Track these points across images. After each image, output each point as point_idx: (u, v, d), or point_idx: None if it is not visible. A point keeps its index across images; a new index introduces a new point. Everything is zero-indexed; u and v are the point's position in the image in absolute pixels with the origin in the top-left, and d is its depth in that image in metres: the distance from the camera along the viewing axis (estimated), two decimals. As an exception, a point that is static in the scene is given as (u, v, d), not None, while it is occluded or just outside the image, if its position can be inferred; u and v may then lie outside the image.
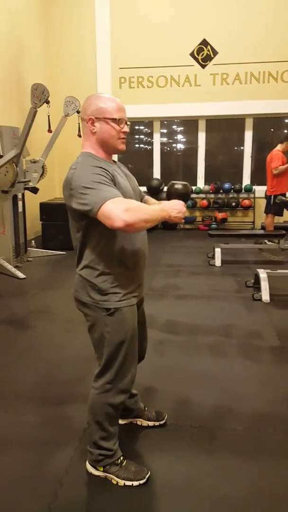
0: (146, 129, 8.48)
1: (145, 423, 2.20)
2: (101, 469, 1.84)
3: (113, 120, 1.63)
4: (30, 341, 3.27)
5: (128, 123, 1.71)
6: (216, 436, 2.14)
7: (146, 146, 8.53)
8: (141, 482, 1.81)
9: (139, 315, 1.86)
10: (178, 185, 1.67)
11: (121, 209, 1.44)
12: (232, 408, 2.37)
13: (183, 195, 1.66)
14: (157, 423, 2.20)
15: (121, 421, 2.17)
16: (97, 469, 1.85)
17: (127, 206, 1.46)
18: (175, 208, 1.61)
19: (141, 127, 8.51)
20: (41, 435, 2.15)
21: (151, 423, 2.20)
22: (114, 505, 1.72)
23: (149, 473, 1.85)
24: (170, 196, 1.67)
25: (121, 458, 1.86)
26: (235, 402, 2.42)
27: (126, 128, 1.68)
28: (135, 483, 1.80)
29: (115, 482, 1.82)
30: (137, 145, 8.63)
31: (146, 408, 2.23)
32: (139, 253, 1.73)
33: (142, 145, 8.62)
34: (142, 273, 1.79)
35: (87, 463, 1.89)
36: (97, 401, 1.78)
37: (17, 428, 2.18)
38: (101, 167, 1.58)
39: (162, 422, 2.21)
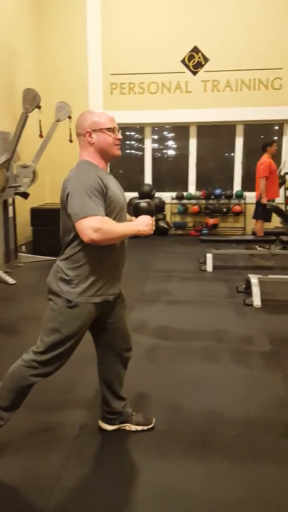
0: (137, 135, 8.51)
1: (133, 427, 2.19)
2: None
3: (108, 129, 1.83)
4: (20, 347, 3.21)
5: (119, 130, 1.89)
6: (208, 441, 2.13)
7: (137, 152, 8.56)
8: None
9: (117, 308, 2.01)
10: (144, 203, 1.94)
11: (93, 228, 1.68)
12: (224, 413, 2.37)
13: (148, 211, 1.91)
14: (145, 427, 2.19)
15: (110, 427, 2.19)
16: None
17: (99, 226, 1.68)
18: (142, 222, 1.83)
19: (132, 133, 8.54)
20: (33, 441, 2.13)
21: (139, 428, 2.19)
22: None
23: None
24: (137, 213, 1.92)
25: None
26: (227, 407, 2.42)
27: (119, 135, 1.88)
28: None
29: None
30: (128, 151, 8.64)
31: (134, 413, 2.22)
32: (119, 254, 1.90)
33: (133, 151, 8.64)
34: (118, 273, 1.95)
35: None
36: (20, 373, 1.91)
37: (8, 435, 2.14)
38: (97, 175, 1.76)
39: (150, 426, 2.20)
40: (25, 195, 5.70)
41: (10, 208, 5.55)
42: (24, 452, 2.05)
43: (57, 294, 1.85)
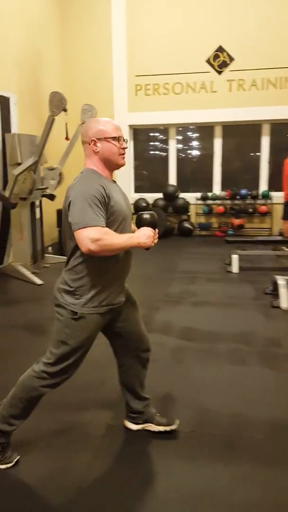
0: (161, 136, 8.50)
1: (155, 428, 2.17)
2: None
3: (113, 138, 1.82)
4: (47, 347, 3.28)
5: (126, 139, 1.88)
6: (234, 444, 2.11)
7: (161, 153, 8.55)
8: (8, 465, 1.94)
9: (126, 311, 1.99)
10: (146, 215, 1.89)
11: (91, 239, 1.66)
12: (251, 416, 2.33)
13: (151, 223, 1.87)
14: (167, 428, 2.17)
15: (134, 427, 2.20)
16: None
17: (98, 237, 1.66)
18: (143, 235, 1.80)
19: (156, 134, 8.54)
20: (60, 440, 2.16)
21: (161, 428, 2.17)
22: (132, 513, 1.71)
23: (18, 457, 1.96)
24: (139, 224, 1.88)
25: (7, 447, 1.96)
26: (254, 410, 2.39)
27: (124, 144, 1.86)
28: (3, 466, 1.94)
29: None
30: (152, 152, 8.65)
31: (157, 414, 2.21)
32: (123, 264, 1.88)
33: (157, 152, 8.65)
34: (123, 282, 1.94)
35: None
36: (30, 383, 1.89)
37: (36, 434, 2.18)
38: (100, 185, 1.74)
39: (173, 427, 2.17)
40: (51, 197, 5.78)
41: (37, 210, 5.64)
42: (51, 451, 2.08)
43: (62, 306, 1.84)
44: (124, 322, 1.99)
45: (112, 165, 1.85)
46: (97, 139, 1.81)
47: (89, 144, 1.82)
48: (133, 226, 1.98)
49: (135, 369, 2.09)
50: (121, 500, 1.77)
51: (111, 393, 2.55)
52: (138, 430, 2.19)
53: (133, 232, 1.86)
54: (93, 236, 1.66)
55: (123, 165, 1.88)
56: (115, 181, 1.91)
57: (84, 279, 1.80)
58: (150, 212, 1.91)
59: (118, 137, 1.83)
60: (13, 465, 1.94)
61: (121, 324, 1.99)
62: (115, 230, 1.77)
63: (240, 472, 1.92)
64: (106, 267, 1.81)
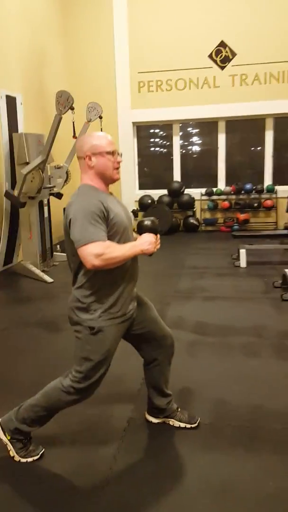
0: (162, 133, 8.51)
1: (176, 423, 2.22)
2: (9, 437, 2.00)
3: (108, 152, 1.83)
4: (63, 343, 3.32)
5: (120, 153, 1.91)
6: (255, 435, 2.15)
7: (163, 150, 8.56)
8: (34, 458, 2.00)
9: (140, 313, 2.01)
10: (147, 221, 1.93)
11: (95, 254, 1.69)
12: (269, 407, 2.38)
13: (152, 229, 1.89)
14: (188, 426, 2.21)
15: (154, 420, 2.25)
16: (5, 434, 2.01)
17: (101, 251, 1.69)
18: (145, 241, 1.80)
19: (157, 130, 8.55)
20: (84, 434, 2.20)
21: (182, 425, 2.21)
22: (156, 503, 1.75)
23: (42, 450, 2.02)
24: (141, 231, 1.91)
25: (29, 442, 2.03)
26: (272, 401, 2.43)
27: (119, 158, 1.89)
28: (30, 459, 1.99)
29: (11, 454, 2.00)
30: (154, 149, 8.66)
31: (179, 409, 2.25)
32: (131, 272, 1.91)
33: (159, 149, 8.66)
34: (133, 289, 1.96)
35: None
36: (56, 395, 1.92)
37: (61, 428, 2.22)
38: (98, 200, 1.76)
39: (194, 425, 2.21)
40: (59, 196, 5.82)
41: (45, 209, 5.67)
42: (76, 444, 2.12)
43: (79, 323, 1.86)
44: (142, 324, 2.02)
45: (107, 180, 1.87)
46: (92, 154, 1.82)
47: (84, 159, 1.84)
48: (135, 234, 1.99)
49: (162, 366, 2.13)
50: (147, 491, 1.81)
51: (129, 387, 2.60)
52: (159, 423, 2.24)
53: (135, 239, 1.87)
54: (96, 251, 1.68)
55: (117, 179, 1.91)
56: (112, 193, 1.93)
57: (95, 294, 1.83)
58: (150, 218, 1.95)
59: (113, 151, 1.84)
60: (39, 458, 1.99)
61: (140, 326, 2.02)
62: (117, 242, 1.79)
63: (263, 462, 1.96)
64: (115, 278, 1.84)
